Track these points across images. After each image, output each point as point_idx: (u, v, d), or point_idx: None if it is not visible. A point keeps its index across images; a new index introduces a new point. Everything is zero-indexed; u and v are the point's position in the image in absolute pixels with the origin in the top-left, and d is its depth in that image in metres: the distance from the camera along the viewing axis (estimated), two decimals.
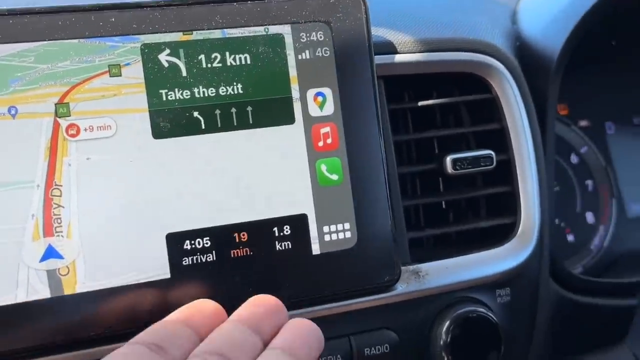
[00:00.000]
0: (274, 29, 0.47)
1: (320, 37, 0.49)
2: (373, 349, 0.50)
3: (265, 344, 0.36)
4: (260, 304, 0.39)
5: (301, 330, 0.38)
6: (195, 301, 0.41)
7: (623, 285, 0.71)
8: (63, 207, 0.42)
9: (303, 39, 0.48)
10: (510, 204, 0.59)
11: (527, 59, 0.64)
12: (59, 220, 0.41)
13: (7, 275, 0.41)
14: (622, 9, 0.69)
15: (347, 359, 0.50)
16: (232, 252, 0.45)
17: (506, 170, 0.59)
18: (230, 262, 0.45)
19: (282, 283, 0.47)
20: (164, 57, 0.45)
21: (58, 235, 0.41)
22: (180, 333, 0.36)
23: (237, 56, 0.47)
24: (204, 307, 0.40)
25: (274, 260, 0.47)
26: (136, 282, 0.43)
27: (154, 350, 0.34)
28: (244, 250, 0.46)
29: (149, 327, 0.36)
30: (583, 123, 0.79)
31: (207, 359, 0.34)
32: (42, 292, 0.41)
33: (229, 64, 0.46)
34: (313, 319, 0.43)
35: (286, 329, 0.38)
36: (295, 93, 0.48)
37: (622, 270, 0.76)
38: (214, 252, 0.45)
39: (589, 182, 0.79)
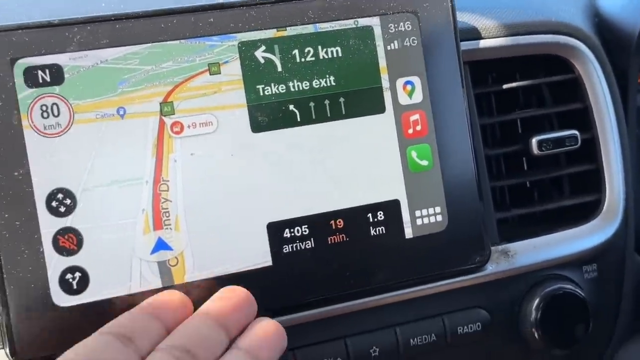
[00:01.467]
0: (363, 22, 0.47)
1: (408, 27, 0.48)
2: (466, 327, 0.50)
3: (232, 340, 0.38)
4: (229, 297, 0.41)
5: (267, 333, 0.40)
6: (163, 292, 0.42)
7: None
8: (170, 201, 0.42)
9: (392, 29, 0.48)
10: (594, 182, 0.57)
11: (607, 36, 0.61)
12: (167, 214, 0.42)
13: (121, 267, 0.43)
14: None
15: (440, 338, 0.51)
16: (329, 238, 0.46)
17: (590, 149, 0.57)
18: (327, 248, 0.46)
19: (377, 267, 0.47)
20: (260, 54, 0.45)
21: (167, 228, 0.42)
22: (148, 325, 0.38)
23: (329, 49, 0.47)
24: (171, 298, 0.41)
25: (368, 245, 0.47)
26: (240, 271, 0.44)
27: (122, 341, 0.36)
28: (340, 236, 0.46)
29: (117, 318, 0.38)
30: None
31: (172, 353, 0.36)
32: (154, 282, 0.42)
33: (321, 57, 0.47)
34: (406, 301, 0.50)
35: (253, 329, 0.40)
36: (385, 83, 0.47)
37: None
38: (312, 239, 0.45)
39: None
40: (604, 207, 0.57)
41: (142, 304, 0.41)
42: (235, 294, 0.42)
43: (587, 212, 0.57)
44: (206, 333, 0.39)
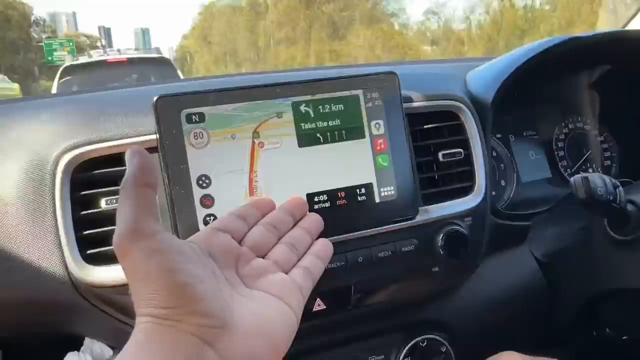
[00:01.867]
0: (354, 92, 0.58)
1: (376, 96, 0.59)
2: (405, 248, 0.61)
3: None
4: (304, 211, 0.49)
5: (325, 243, 0.47)
6: (258, 198, 0.51)
7: (522, 215, 0.79)
8: (257, 182, 0.54)
9: (368, 97, 0.59)
10: (470, 176, 0.68)
11: (473, 101, 0.72)
12: (255, 188, 0.54)
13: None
14: (520, 81, 0.77)
15: (394, 253, 0.62)
16: (337, 202, 0.57)
17: (468, 159, 0.68)
18: (336, 207, 0.57)
19: (362, 217, 0.59)
20: (302, 107, 0.56)
21: (255, 195, 0.54)
22: (253, 211, 0.45)
23: (337, 105, 0.57)
24: (266, 200, 0.49)
25: (357, 206, 0.58)
26: None
27: (240, 218, 0.44)
28: (342, 201, 0.57)
29: (233, 210, 0.46)
30: (497, 135, 0.88)
31: (266, 226, 0.44)
32: None
33: (333, 109, 0.57)
34: (376, 234, 0.61)
35: (318, 241, 0.47)
36: (365, 123, 0.58)
37: (521, 209, 0.83)
38: (328, 202, 0.56)
39: (502, 165, 0.88)
40: (475, 188, 0.67)
41: (248, 202, 0.49)
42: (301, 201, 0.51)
43: (467, 191, 0.67)
44: (285, 218, 0.47)
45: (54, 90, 4.96)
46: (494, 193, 0.79)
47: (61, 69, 5.53)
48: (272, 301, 0.39)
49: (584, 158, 0.91)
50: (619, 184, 0.57)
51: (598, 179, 0.55)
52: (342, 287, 0.60)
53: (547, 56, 0.75)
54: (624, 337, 0.70)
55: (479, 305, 0.71)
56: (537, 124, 0.91)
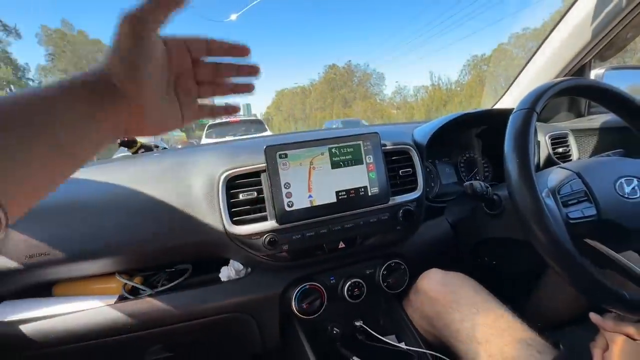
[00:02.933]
0: (357, 142, 0.60)
1: (368, 144, 0.61)
2: (382, 217, 0.62)
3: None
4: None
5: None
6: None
7: (442, 200, 0.76)
8: (312, 186, 0.57)
9: (366, 144, 0.60)
10: (416, 182, 0.67)
11: (417, 146, 0.70)
12: (312, 190, 0.56)
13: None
14: (440, 133, 0.74)
15: (375, 221, 0.61)
16: (350, 195, 0.58)
17: (414, 174, 0.67)
18: (350, 197, 0.58)
19: (362, 202, 0.59)
20: (333, 150, 0.58)
21: (313, 195, 0.57)
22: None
23: (349, 149, 0.60)
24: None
25: (360, 197, 0.59)
26: (326, 202, 0.58)
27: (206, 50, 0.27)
28: (352, 194, 0.59)
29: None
30: (430, 160, 0.86)
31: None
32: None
33: (348, 150, 0.59)
34: (366, 211, 0.59)
35: None
36: (363, 157, 0.60)
37: (442, 197, 0.79)
38: (346, 195, 0.58)
39: (432, 175, 0.84)
40: (417, 188, 0.67)
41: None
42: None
43: (414, 189, 0.67)
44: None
45: (203, 137, 5.77)
46: (428, 190, 0.81)
47: (207, 125, 6.06)
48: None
49: (473, 172, 0.93)
50: (489, 185, 0.60)
51: (477, 184, 0.58)
52: (352, 237, 0.64)
53: (454, 121, 0.78)
54: (493, 262, 0.71)
55: (420, 245, 0.73)
56: (450, 154, 0.92)
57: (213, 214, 0.56)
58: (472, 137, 0.93)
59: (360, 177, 0.62)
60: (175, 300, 0.58)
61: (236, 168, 0.58)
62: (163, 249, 0.56)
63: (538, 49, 0.93)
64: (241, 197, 0.57)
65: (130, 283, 0.60)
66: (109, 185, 0.57)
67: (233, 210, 0.57)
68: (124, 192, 0.57)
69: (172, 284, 0.61)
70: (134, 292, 0.61)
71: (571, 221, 0.46)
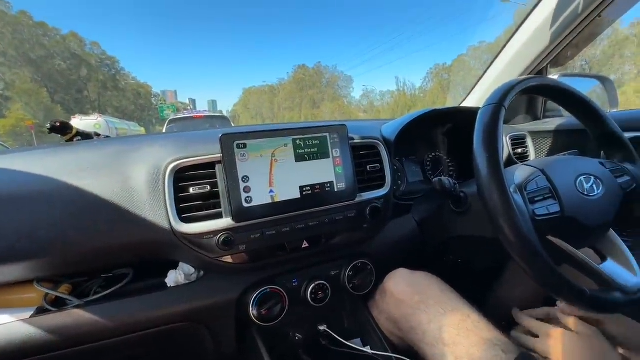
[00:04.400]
0: (324, 134, 0.57)
1: (335, 136, 0.58)
2: (350, 214, 0.60)
3: None
4: None
5: None
6: None
7: (409, 198, 0.76)
8: (273, 179, 0.52)
9: (333, 136, 0.58)
10: (383, 178, 0.66)
11: (385, 141, 0.69)
12: (273, 184, 0.52)
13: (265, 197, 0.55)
14: (408, 130, 0.74)
15: (344, 218, 0.59)
16: (315, 190, 0.56)
17: (382, 170, 0.66)
18: (315, 193, 0.55)
19: (329, 198, 0.57)
20: (297, 141, 0.55)
21: (272, 188, 0.52)
22: None
23: (313, 141, 0.57)
24: None
25: (326, 192, 0.57)
26: (291, 198, 0.54)
27: None
28: (316, 190, 0.56)
29: None
30: (397, 158, 0.85)
31: None
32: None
33: (312, 143, 0.57)
34: (334, 208, 0.57)
35: None
36: (330, 150, 0.58)
37: (409, 195, 0.77)
38: (310, 190, 0.55)
39: (399, 173, 0.84)
40: (385, 185, 0.66)
41: None
42: None
43: (381, 186, 0.65)
44: None
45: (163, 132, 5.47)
46: (395, 187, 0.82)
47: (168, 120, 5.81)
48: None
49: (439, 170, 0.93)
50: (456, 182, 0.60)
51: (445, 180, 0.59)
52: (317, 236, 0.61)
53: (422, 117, 0.78)
54: (459, 260, 0.72)
55: (386, 244, 0.71)
56: (417, 152, 0.92)
57: (158, 210, 0.50)
58: (439, 135, 0.94)
59: (326, 171, 0.59)
60: (111, 310, 0.51)
61: (186, 158, 0.52)
62: (97, 250, 0.48)
63: (501, 51, 0.98)
64: (191, 191, 0.52)
65: (52, 292, 0.51)
66: (30, 175, 0.49)
67: (182, 206, 0.51)
68: (51, 183, 0.48)
69: (107, 291, 0.53)
70: (60, 303, 0.52)
71: (537, 218, 0.46)
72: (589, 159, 0.54)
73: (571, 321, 0.46)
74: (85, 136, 0.81)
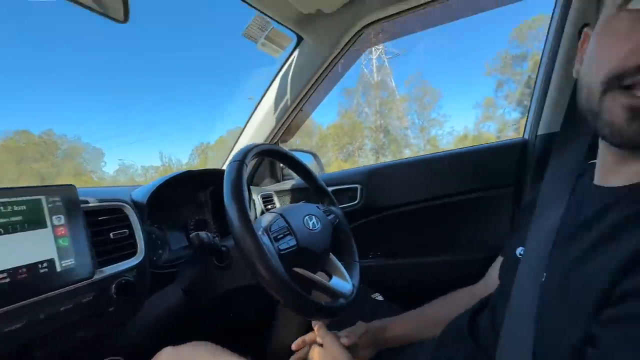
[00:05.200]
0: (35, 196, 0.44)
1: (57, 201, 0.46)
2: (84, 299, 0.47)
3: None
4: None
5: None
6: None
7: (172, 265, 0.70)
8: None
9: (52, 199, 0.45)
10: (135, 245, 0.57)
11: (135, 204, 0.62)
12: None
13: None
14: (162, 192, 0.69)
15: (73, 306, 0.47)
16: (18, 277, 0.40)
17: (133, 236, 0.58)
18: (16, 281, 0.40)
19: (44, 283, 0.43)
20: None
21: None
22: None
23: (15, 207, 0.42)
24: None
25: (40, 276, 0.42)
26: None
27: None
28: (24, 275, 0.41)
29: None
30: (156, 225, 0.76)
31: None
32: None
33: (11, 210, 0.42)
34: (59, 294, 0.43)
35: None
36: (47, 218, 0.44)
37: (172, 262, 0.72)
38: (8, 278, 0.40)
39: (159, 241, 0.76)
40: (137, 253, 0.57)
41: None
42: None
43: (133, 255, 0.57)
44: None
45: None
46: (155, 258, 0.72)
47: None
48: None
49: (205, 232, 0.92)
50: (215, 236, 0.60)
51: (203, 234, 0.58)
52: (25, 344, 0.43)
53: (175, 179, 0.75)
54: (231, 314, 0.71)
55: (148, 323, 0.61)
56: (180, 217, 0.87)
57: None
58: (202, 199, 0.95)
59: (42, 246, 0.45)
60: None
61: None
62: None
63: (247, 123, 1.16)
64: None
65: None
66: None
67: None
68: None
69: None
70: None
71: (282, 252, 0.53)
72: (310, 205, 0.68)
73: (320, 333, 0.51)
74: None
